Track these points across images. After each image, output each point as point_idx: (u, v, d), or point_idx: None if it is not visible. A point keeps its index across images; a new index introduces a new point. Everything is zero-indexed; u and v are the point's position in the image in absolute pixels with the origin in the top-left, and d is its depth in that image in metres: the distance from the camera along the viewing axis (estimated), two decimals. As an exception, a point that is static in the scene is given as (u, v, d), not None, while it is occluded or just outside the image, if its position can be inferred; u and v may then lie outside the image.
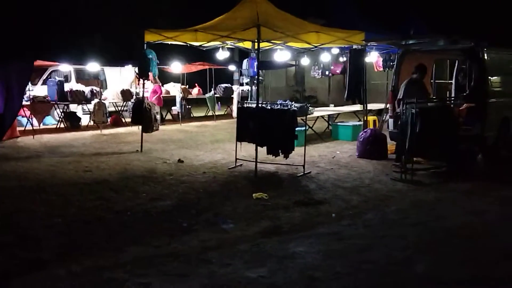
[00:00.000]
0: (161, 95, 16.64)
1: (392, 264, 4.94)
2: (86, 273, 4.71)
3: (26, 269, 4.77)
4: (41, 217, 6.33)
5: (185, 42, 10.85)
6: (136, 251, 5.26)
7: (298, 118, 10.21)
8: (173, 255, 5.15)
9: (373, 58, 14.61)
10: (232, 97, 19.30)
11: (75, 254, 5.15)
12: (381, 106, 14.50)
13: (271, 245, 5.44)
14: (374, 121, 13.61)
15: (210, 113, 19.32)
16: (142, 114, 11.21)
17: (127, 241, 5.55)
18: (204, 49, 11.85)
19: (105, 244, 5.48)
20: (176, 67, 18.07)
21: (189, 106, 19.45)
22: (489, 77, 9.91)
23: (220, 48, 11.43)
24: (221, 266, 4.84)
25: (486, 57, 9.79)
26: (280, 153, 9.00)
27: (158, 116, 11.99)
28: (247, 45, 12.35)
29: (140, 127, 11.56)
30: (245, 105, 9.64)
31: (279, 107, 9.17)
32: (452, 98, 10.65)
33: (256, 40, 9.25)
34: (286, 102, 10.15)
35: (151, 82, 16.04)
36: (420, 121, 8.40)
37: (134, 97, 16.10)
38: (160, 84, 17.00)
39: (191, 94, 19.61)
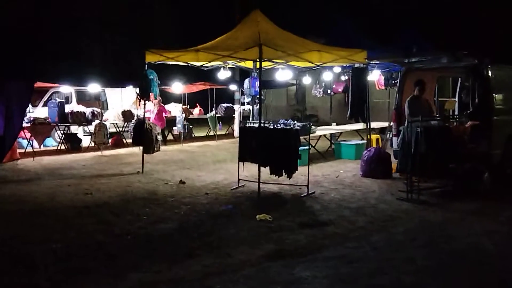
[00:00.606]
0: (163, 115, 16.57)
1: (402, 289, 4.76)
2: (84, 301, 4.55)
3: (23, 297, 4.61)
4: (39, 241, 6.16)
5: (186, 62, 10.77)
6: (136, 277, 5.08)
7: (301, 137, 10.10)
8: (175, 282, 4.98)
9: (375, 76, 14.57)
10: (234, 117, 19.24)
11: (73, 281, 4.99)
12: (383, 124, 14.40)
13: (276, 269, 5.26)
14: (377, 139, 13.49)
15: (211, 133, 19.22)
16: (143, 135, 11.09)
17: (127, 267, 5.38)
18: (205, 69, 11.77)
19: (104, 270, 5.30)
20: (177, 87, 18.03)
21: (191, 126, 19.36)
22: (494, 95, 9.81)
23: (222, 68, 11.35)
24: (224, 293, 4.67)
25: (490, 75, 9.70)
26: (283, 173, 8.85)
27: (159, 137, 11.87)
28: (249, 64, 12.29)
29: (141, 148, 11.44)
30: (247, 125, 9.51)
31: (281, 126, 9.06)
32: (456, 116, 10.54)
33: (257, 60, 9.16)
34: (289, 121, 10.04)
35: (153, 103, 16.00)
36: (425, 139, 8.27)
37: (135, 118, 16.02)
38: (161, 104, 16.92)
39: (192, 114, 19.55)
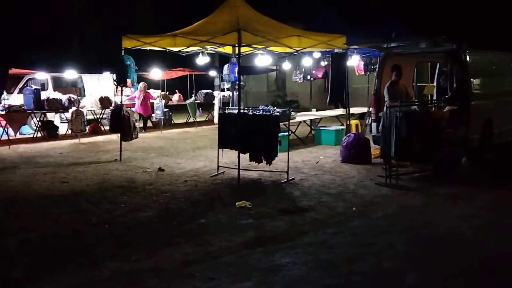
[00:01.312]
0: (148, 103, 16.41)
1: (382, 275, 4.76)
2: (60, 292, 4.46)
3: (-4, 289, 4.50)
4: (14, 232, 6.04)
5: (164, 48, 10.60)
6: (114, 267, 5.01)
7: (281, 123, 10.05)
8: (154, 270, 4.91)
9: (354, 62, 14.56)
10: (214, 103, 19.10)
11: (49, 272, 4.89)
12: (363, 110, 14.42)
13: (256, 256, 5.23)
14: (357, 125, 13.51)
15: (191, 120, 19.06)
16: (120, 122, 10.92)
17: (105, 256, 5.30)
18: (183, 54, 11.62)
19: (81, 260, 5.22)
20: (156, 73, 17.81)
21: (170, 113, 19.18)
22: (472, 79, 9.86)
23: (200, 54, 11.21)
24: (204, 281, 4.62)
25: (468, 59, 9.74)
26: (263, 160, 8.81)
27: (137, 124, 11.71)
28: (228, 50, 12.15)
29: (119, 135, 11.27)
30: (226, 111, 9.42)
31: (261, 112, 8.99)
32: (435, 101, 10.60)
33: (236, 45, 9.05)
34: (268, 107, 9.98)
35: (141, 90, 15.87)
36: (404, 124, 8.29)
37: (113, 104, 15.80)
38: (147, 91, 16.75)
39: (171, 100, 19.35)
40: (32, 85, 16.00)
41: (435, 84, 12.63)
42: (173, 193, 7.95)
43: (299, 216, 6.67)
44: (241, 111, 8.88)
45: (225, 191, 8.07)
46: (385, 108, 8.94)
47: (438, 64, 12.42)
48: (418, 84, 13.52)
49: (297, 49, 10.64)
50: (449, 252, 5.39)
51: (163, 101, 17.67)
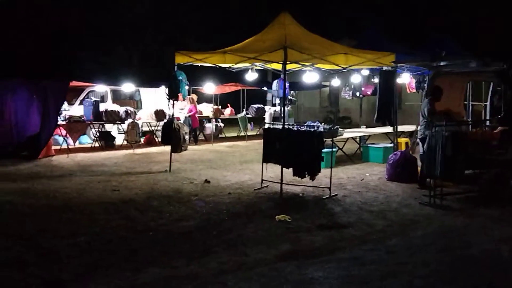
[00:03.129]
0: (195, 114, 16.88)
1: (411, 292, 4.79)
2: (102, 294, 4.75)
3: (44, 288, 4.84)
4: (65, 236, 6.43)
5: (214, 64, 10.96)
6: (154, 272, 5.27)
7: (328, 139, 10.15)
8: (190, 277, 5.14)
9: (405, 79, 14.43)
10: (264, 118, 19.38)
11: (94, 274, 5.20)
12: (413, 128, 14.25)
13: (290, 269, 5.36)
14: (407, 143, 13.39)
15: (242, 134, 19.40)
16: (171, 135, 11.34)
17: (146, 262, 5.58)
18: (234, 70, 11.94)
19: (124, 264, 5.51)
20: (209, 87, 18.28)
21: (221, 125, 19.61)
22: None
23: (250, 70, 11.49)
24: (236, 290, 4.80)
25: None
26: (306, 175, 8.93)
27: (187, 137, 12.10)
28: (277, 66, 12.37)
29: (169, 147, 11.69)
30: (271, 126, 9.62)
31: (305, 128, 9.13)
32: (487, 121, 10.42)
33: (282, 62, 9.27)
34: (314, 123, 10.12)
35: (188, 101, 16.35)
36: (451, 143, 8.21)
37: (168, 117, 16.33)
38: (195, 104, 17.24)
39: (223, 114, 19.77)
40: (92, 97, 16.82)
41: (488, 103, 12.40)
42: (217, 204, 8.20)
43: (337, 232, 6.74)
44: (286, 126, 9.05)
45: (267, 205, 8.24)
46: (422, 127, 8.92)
47: (491, 83, 12.21)
48: (471, 103, 13.29)
49: (344, 66, 10.73)
50: (483, 272, 5.32)
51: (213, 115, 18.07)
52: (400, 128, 13.89)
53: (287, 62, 9.32)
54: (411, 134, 14.32)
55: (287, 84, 11.68)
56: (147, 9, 24.30)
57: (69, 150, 13.85)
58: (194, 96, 17.39)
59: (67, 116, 14.59)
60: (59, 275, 5.16)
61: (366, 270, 5.36)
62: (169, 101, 11.79)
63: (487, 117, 12.00)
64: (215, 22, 26.36)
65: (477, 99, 14.37)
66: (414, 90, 15.40)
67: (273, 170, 9.84)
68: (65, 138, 14.52)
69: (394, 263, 5.57)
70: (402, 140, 13.53)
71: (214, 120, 18.04)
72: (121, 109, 15.91)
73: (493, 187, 8.78)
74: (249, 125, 19.76)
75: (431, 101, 9.53)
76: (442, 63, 10.31)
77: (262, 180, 9.46)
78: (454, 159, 8.27)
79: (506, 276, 5.27)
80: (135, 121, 15.49)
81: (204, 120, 18.65)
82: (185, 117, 16.66)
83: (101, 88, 17.45)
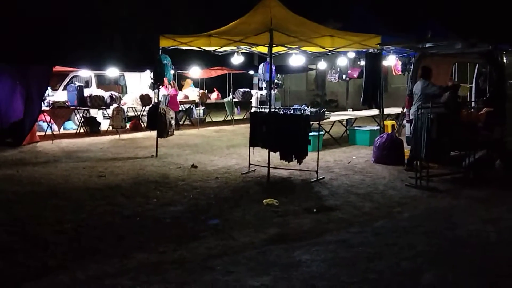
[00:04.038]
0: (176, 97, 16.64)
1: (398, 274, 4.81)
2: (90, 280, 4.71)
3: (31, 275, 4.78)
4: (50, 222, 6.37)
5: (200, 47, 10.85)
6: (141, 258, 5.25)
7: (315, 123, 10.14)
8: (178, 262, 5.13)
9: (391, 61, 14.44)
10: (251, 102, 19.31)
11: (81, 260, 5.16)
12: (399, 110, 14.31)
13: (277, 252, 5.37)
14: (393, 125, 13.44)
15: (229, 118, 19.34)
16: (157, 119, 11.25)
17: (134, 247, 5.55)
18: (219, 54, 11.83)
19: (112, 250, 5.48)
20: (195, 71, 18.14)
21: (204, 109, 19.55)
22: (509, 81, 9.67)
23: (235, 53, 11.41)
24: (224, 274, 4.79)
25: (505, 61, 9.56)
26: (293, 159, 8.93)
27: (173, 121, 12.02)
28: (263, 50, 12.29)
29: (155, 132, 11.61)
30: (258, 110, 9.58)
31: (292, 111, 9.11)
32: (473, 101, 10.47)
33: (268, 45, 9.20)
34: (301, 107, 10.09)
35: (168, 86, 16.13)
36: (436, 126, 8.25)
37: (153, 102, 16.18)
38: (176, 87, 17.01)
39: (209, 98, 19.66)
40: (76, 82, 16.60)
41: (473, 85, 12.47)
42: (204, 189, 8.17)
43: (324, 215, 6.76)
44: (273, 110, 9.02)
45: (254, 189, 8.24)
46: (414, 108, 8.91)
47: (477, 64, 12.26)
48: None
49: (330, 49, 10.68)
50: (470, 253, 5.38)
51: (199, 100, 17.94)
52: (386, 110, 13.92)
53: (273, 45, 9.25)
54: (397, 117, 14.39)
55: (273, 68, 11.64)
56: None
57: (53, 136, 13.70)
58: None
59: (51, 102, 14.39)
60: (46, 262, 5.11)
61: (353, 252, 5.39)
62: (153, 88, 11.66)
63: (473, 99, 12.07)
64: (200, 4, 26.10)
65: (463, 81, 14.44)
66: (400, 73, 15.42)
67: (260, 154, 9.83)
68: (50, 124, 14.36)
69: (381, 245, 5.61)
70: (388, 123, 13.57)
71: (200, 104, 17.91)
72: (106, 94, 15.71)
73: (479, 168, 8.85)
74: (235, 109, 19.68)
75: (429, 81, 9.40)
76: (428, 45, 10.33)
77: (249, 164, 9.44)
78: (439, 141, 8.33)
79: (492, 256, 5.33)
80: (120, 106, 15.31)
81: (191, 105, 18.52)
82: (163, 95, 16.19)
83: (85, 73, 17.23)
